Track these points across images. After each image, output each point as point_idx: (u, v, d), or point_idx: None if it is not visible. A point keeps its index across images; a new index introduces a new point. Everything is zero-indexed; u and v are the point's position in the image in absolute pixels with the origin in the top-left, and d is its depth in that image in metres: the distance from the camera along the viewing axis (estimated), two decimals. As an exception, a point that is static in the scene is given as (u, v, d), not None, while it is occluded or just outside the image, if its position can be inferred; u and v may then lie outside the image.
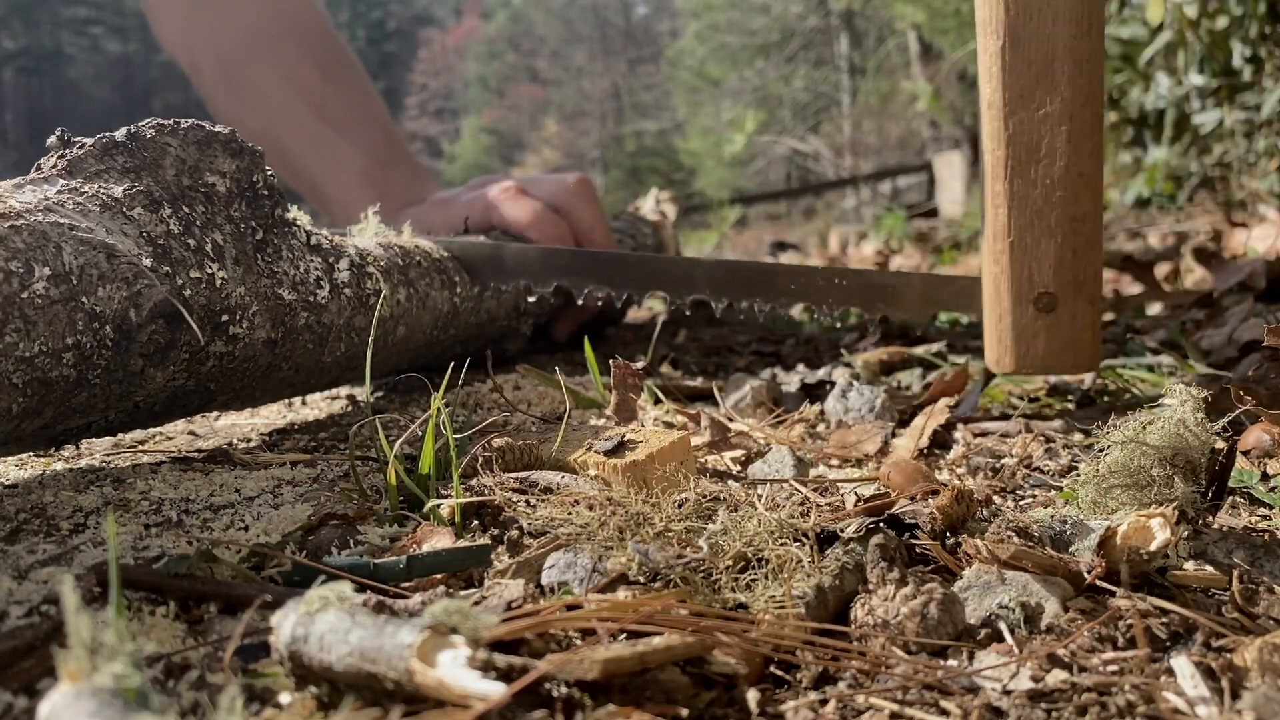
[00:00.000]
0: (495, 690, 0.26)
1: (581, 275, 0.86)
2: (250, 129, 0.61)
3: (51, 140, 0.54)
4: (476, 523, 0.48)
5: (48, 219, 0.47)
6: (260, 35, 1.16)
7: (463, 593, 0.40)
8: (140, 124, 0.56)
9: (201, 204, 0.57)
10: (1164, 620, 0.36)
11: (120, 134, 0.55)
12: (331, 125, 1.15)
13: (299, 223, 0.64)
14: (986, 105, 0.67)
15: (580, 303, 0.87)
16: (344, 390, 0.88)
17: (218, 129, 0.59)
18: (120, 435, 0.63)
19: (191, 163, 0.57)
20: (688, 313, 0.85)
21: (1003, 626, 0.36)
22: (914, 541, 0.43)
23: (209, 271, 0.55)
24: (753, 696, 0.32)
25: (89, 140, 0.54)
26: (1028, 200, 0.66)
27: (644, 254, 0.92)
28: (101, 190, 0.52)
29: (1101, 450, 0.45)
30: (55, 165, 0.53)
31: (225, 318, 0.56)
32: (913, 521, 0.44)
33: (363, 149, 1.15)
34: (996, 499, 0.52)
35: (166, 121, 0.57)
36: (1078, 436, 0.64)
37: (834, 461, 0.62)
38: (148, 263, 0.51)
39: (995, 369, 0.70)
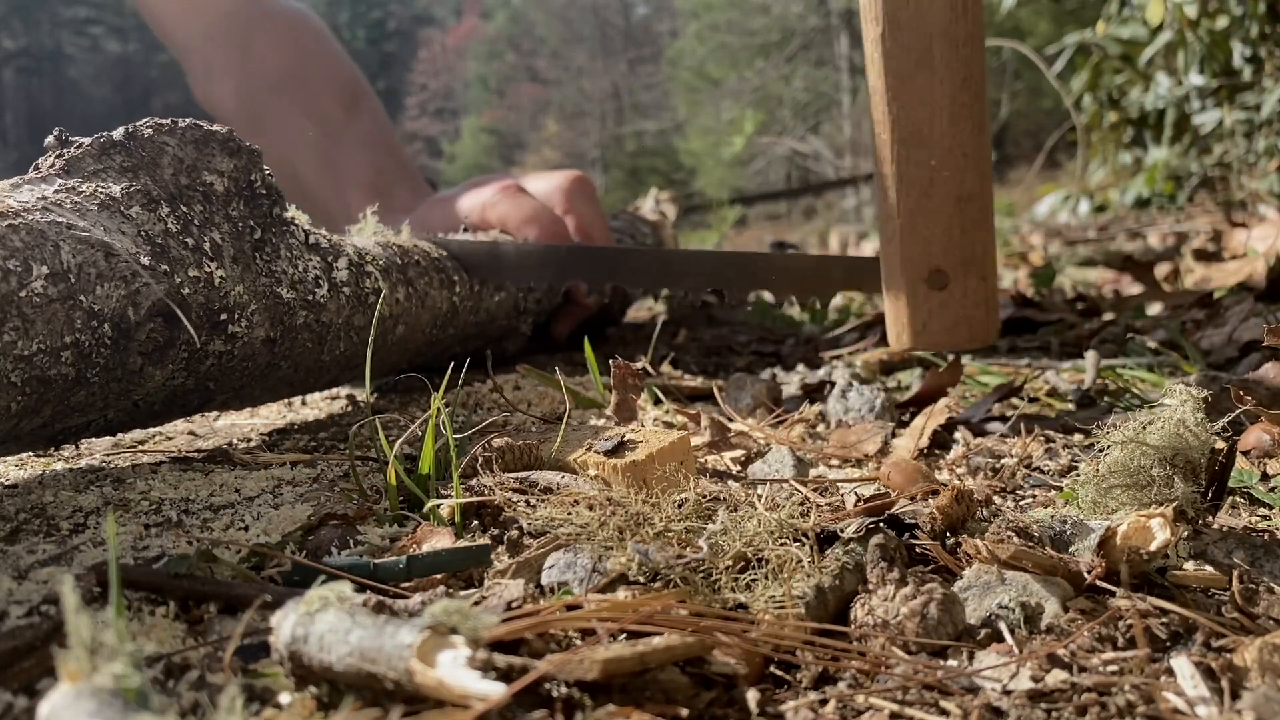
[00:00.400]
0: (495, 690, 0.26)
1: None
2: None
3: (49, 140, 0.54)
4: (476, 523, 0.48)
5: (46, 218, 0.47)
6: (290, 80, 1.20)
7: (463, 593, 0.40)
8: (138, 123, 0.56)
9: (199, 203, 0.57)
10: (1164, 620, 0.36)
11: (118, 133, 0.55)
12: (342, 146, 1.18)
13: (297, 222, 0.64)
14: (872, 91, 0.69)
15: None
16: (344, 390, 0.88)
17: (215, 128, 0.59)
18: (120, 435, 0.63)
19: (189, 162, 0.57)
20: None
21: (1003, 626, 0.36)
22: (914, 541, 0.43)
23: (207, 270, 0.55)
24: (753, 696, 0.32)
25: (87, 140, 0.54)
26: (914, 182, 0.68)
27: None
28: (99, 189, 0.52)
29: (1101, 450, 0.45)
30: (53, 165, 0.53)
31: (224, 316, 0.56)
32: (913, 521, 0.44)
33: (369, 165, 1.18)
34: (996, 499, 0.52)
35: (164, 121, 0.57)
36: (1078, 436, 0.64)
37: (834, 461, 0.62)
38: (146, 261, 0.51)
39: (895, 345, 0.72)
